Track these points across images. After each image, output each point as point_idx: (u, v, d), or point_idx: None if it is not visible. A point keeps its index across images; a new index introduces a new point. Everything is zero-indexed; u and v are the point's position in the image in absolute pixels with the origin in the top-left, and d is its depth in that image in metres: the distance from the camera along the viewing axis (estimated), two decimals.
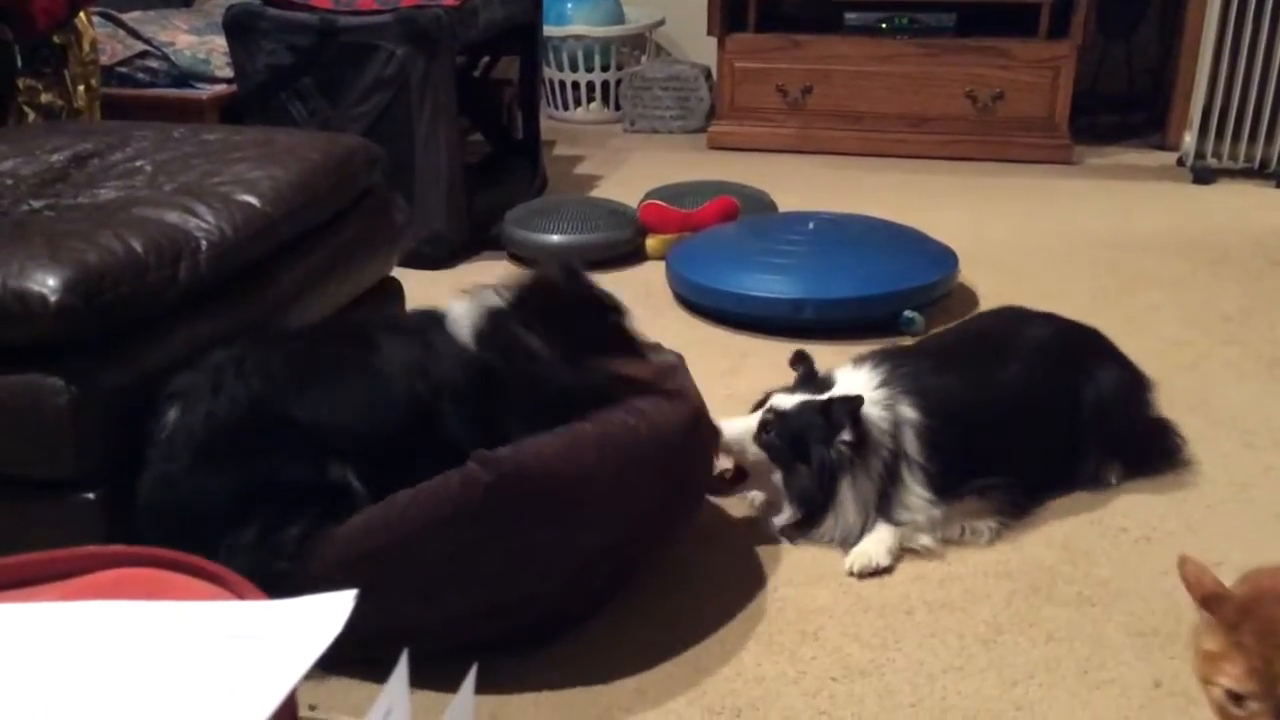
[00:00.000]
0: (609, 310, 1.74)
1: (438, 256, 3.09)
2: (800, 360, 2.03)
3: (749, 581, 1.79)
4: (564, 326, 1.68)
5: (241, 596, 0.79)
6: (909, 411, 1.90)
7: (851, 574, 1.80)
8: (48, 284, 1.49)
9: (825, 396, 1.88)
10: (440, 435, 1.58)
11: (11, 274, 1.50)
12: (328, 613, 0.71)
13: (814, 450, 1.84)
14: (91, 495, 1.56)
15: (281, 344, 1.63)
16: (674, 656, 1.62)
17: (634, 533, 1.61)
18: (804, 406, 1.88)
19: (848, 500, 1.85)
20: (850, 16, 4.12)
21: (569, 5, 4.49)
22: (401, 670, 0.62)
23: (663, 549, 1.79)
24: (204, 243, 1.72)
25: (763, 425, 1.88)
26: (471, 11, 3.08)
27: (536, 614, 1.56)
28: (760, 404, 1.94)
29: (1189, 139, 3.80)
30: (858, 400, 1.85)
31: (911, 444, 1.88)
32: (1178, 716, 1.50)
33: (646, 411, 1.60)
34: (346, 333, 1.69)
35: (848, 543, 1.87)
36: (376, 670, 1.54)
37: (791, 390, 1.95)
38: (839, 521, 1.86)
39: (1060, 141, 4.01)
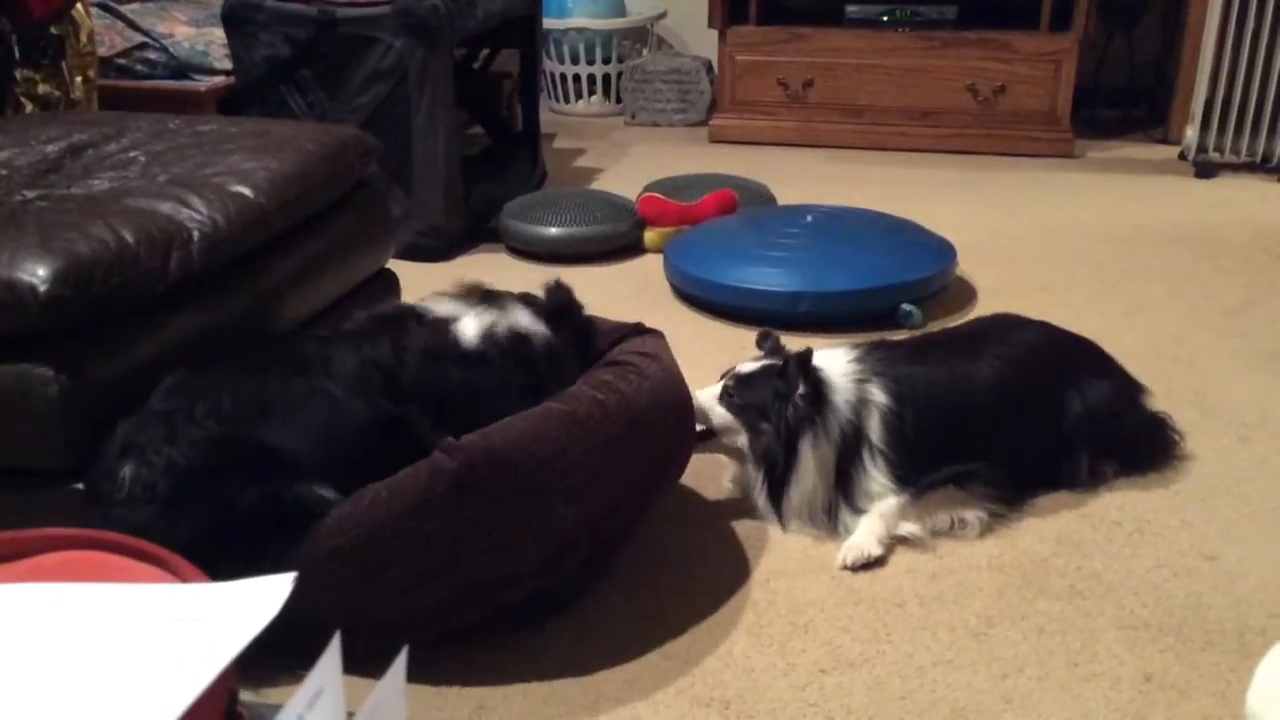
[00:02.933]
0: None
1: (436, 248, 3.09)
2: (765, 338, 2.06)
3: (739, 573, 1.79)
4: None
5: (184, 579, 0.79)
6: (877, 394, 1.91)
7: (845, 567, 1.79)
8: (38, 274, 1.49)
9: (786, 359, 1.92)
10: (413, 440, 1.55)
11: (1, 264, 1.51)
12: (265, 595, 0.72)
13: (773, 407, 1.87)
14: (81, 485, 1.56)
15: (228, 382, 1.57)
16: (663, 647, 1.62)
17: (610, 509, 1.60)
18: (764, 369, 1.93)
19: (808, 461, 1.86)
20: (851, 9, 4.11)
21: None
22: (334, 651, 0.62)
23: (642, 523, 1.79)
24: (196, 233, 1.72)
25: (725, 390, 1.92)
26: (470, 3, 3.07)
27: (517, 596, 1.55)
28: (726, 374, 1.98)
29: (1191, 133, 3.78)
30: (807, 352, 1.88)
31: (875, 428, 1.89)
32: (1168, 710, 1.49)
33: (616, 387, 1.59)
34: (291, 359, 1.63)
35: (814, 519, 1.88)
36: (363, 663, 1.56)
37: (756, 360, 1.99)
38: (799, 485, 1.87)
39: (1062, 135, 4.00)
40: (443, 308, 1.73)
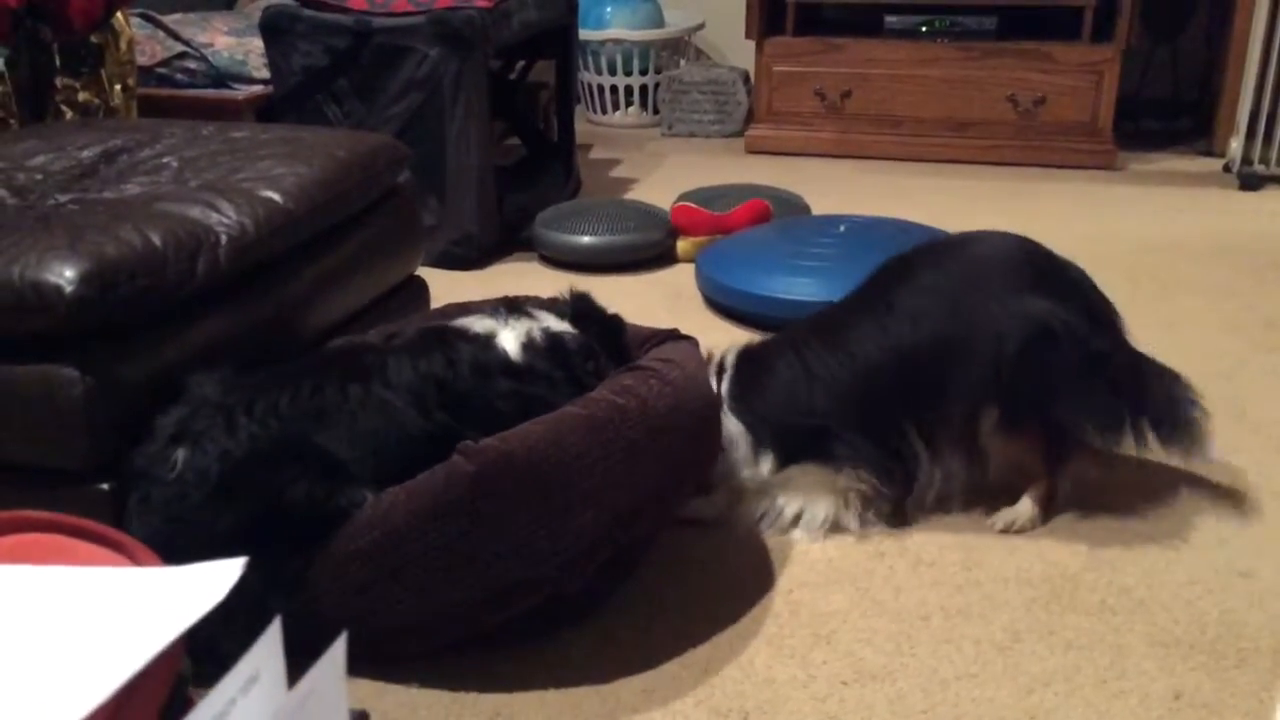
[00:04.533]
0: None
1: (468, 257, 3.10)
2: None
3: (761, 583, 1.77)
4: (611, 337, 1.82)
5: (138, 562, 0.79)
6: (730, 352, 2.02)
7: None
8: (64, 275, 1.51)
9: None
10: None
11: (29, 265, 1.52)
12: (212, 580, 0.71)
13: None
14: (105, 486, 1.57)
15: (286, 383, 1.58)
16: (682, 657, 1.60)
17: (629, 514, 1.58)
18: None
19: None
20: (890, 20, 4.09)
21: (608, 9, 4.50)
22: (273, 634, 0.60)
23: (663, 529, 1.78)
24: (224, 237, 1.73)
25: None
26: (505, 14, 3.08)
27: (534, 601, 1.54)
28: None
29: (1235, 145, 3.72)
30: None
31: (728, 373, 1.99)
32: None
33: (636, 391, 1.58)
34: (349, 366, 1.64)
35: None
36: (380, 666, 1.55)
37: None
38: None
39: (1103, 146, 3.95)
40: (479, 324, 1.74)
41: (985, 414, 1.85)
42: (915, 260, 2.00)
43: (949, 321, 1.86)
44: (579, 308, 1.85)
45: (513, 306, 1.80)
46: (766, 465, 1.91)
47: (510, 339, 1.70)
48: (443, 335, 1.71)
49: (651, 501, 1.63)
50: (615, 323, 1.87)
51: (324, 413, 1.56)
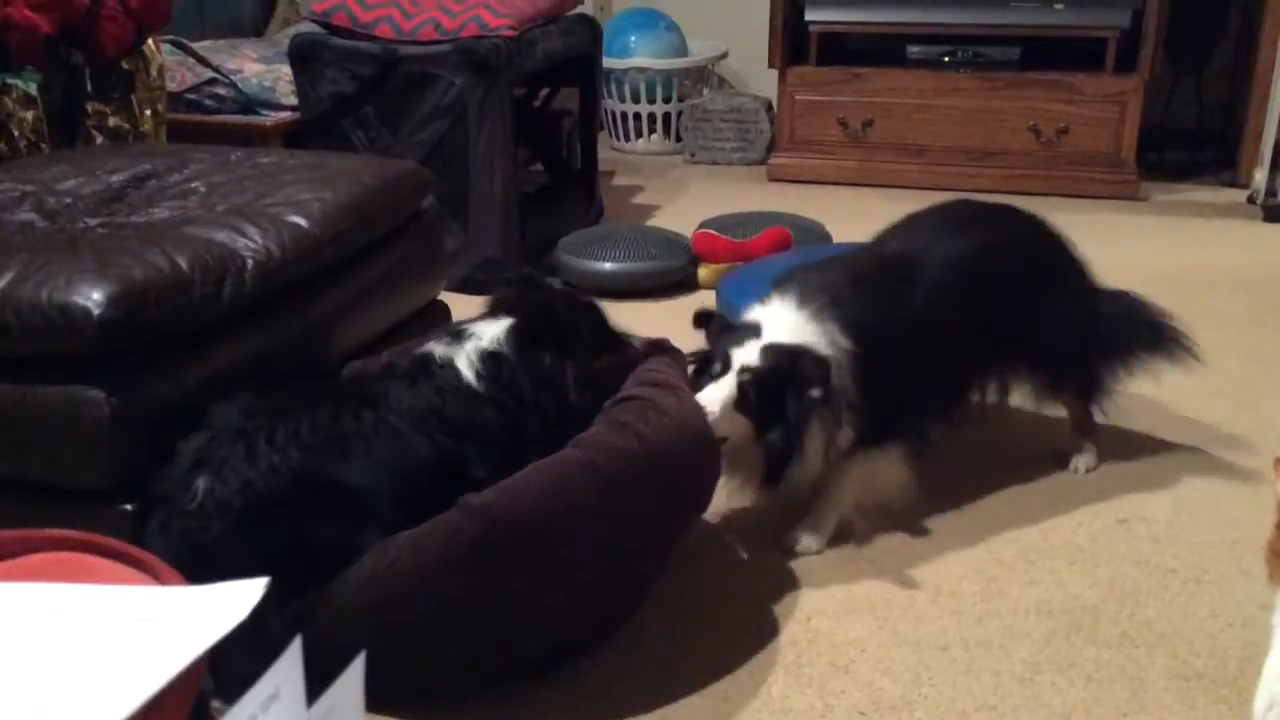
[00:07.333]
0: (588, 308, 1.83)
1: (491, 282, 3.11)
2: (708, 319, 1.95)
3: (780, 611, 1.77)
4: (567, 341, 1.73)
5: (162, 581, 0.80)
6: (844, 342, 1.83)
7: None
8: (92, 298, 1.53)
9: (790, 347, 1.79)
10: (466, 479, 1.55)
11: (58, 287, 1.55)
12: (234, 600, 0.72)
13: (789, 407, 1.78)
14: (128, 507, 1.58)
15: (305, 409, 1.58)
16: (700, 688, 1.60)
17: (635, 552, 1.58)
18: (774, 362, 1.78)
19: (812, 450, 1.81)
20: (913, 49, 4.10)
21: (632, 38, 4.53)
22: (294, 653, 0.61)
23: (672, 558, 1.78)
24: (250, 261, 1.76)
25: (741, 389, 1.77)
26: (530, 42, 3.11)
27: (537, 647, 1.54)
28: (701, 361, 1.88)
29: (1260, 176, 3.71)
30: (828, 363, 1.77)
31: (849, 385, 1.82)
32: None
33: (636, 429, 1.56)
34: (357, 392, 1.64)
35: (802, 491, 1.91)
36: (390, 702, 1.55)
37: (732, 342, 1.83)
38: (804, 470, 1.83)
39: (1127, 177, 3.94)
40: (439, 351, 1.70)
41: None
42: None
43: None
44: (526, 313, 1.76)
45: (456, 332, 1.75)
46: (846, 437, 1.87)
47: (465, 366, 1.68)
48: (425, 364, 1.70)
49: (656, 536, 1.63)
50: (578, 320, 1.78)
51: (344, 439, 1.55)
